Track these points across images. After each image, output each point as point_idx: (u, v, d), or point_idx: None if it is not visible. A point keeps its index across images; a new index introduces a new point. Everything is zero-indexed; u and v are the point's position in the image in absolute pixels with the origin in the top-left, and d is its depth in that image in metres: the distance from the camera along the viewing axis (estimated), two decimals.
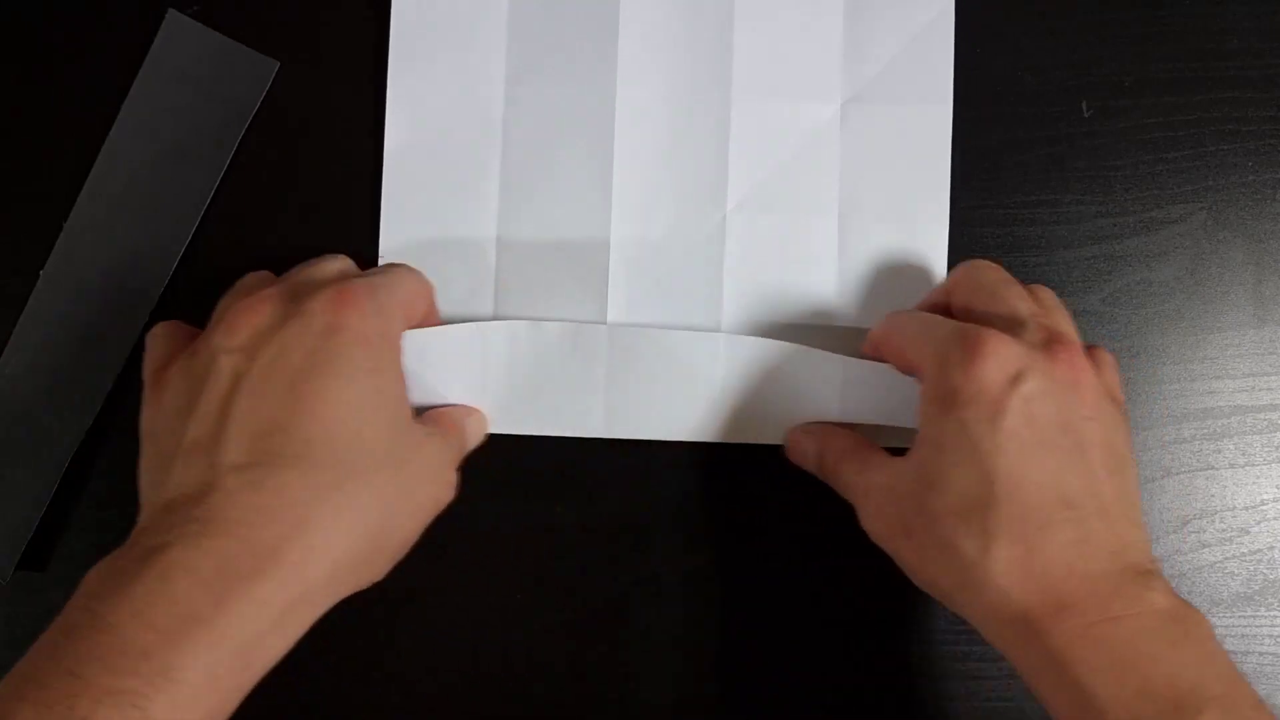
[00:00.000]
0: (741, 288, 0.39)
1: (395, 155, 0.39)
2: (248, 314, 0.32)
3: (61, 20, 0.40)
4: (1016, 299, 0.34)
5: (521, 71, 0.39)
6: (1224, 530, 0.39)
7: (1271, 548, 0.39)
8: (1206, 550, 0.39)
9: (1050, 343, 0.32)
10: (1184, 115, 0.40)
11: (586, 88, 0.39)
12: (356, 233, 0.39)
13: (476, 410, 0.37)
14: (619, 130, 0.39)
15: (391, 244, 0.39)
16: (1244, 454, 0.39)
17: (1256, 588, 0.39)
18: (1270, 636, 0.38)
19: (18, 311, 0.38)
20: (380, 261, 0.39)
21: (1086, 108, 0.40)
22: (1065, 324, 0.34)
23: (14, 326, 0.38)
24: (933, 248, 0.39)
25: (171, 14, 0.39)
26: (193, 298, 0.39)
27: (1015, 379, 0.31)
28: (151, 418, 0.33)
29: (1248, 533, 0.39)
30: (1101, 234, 0.40)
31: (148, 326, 0.38)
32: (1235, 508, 0.39)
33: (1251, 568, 0.39)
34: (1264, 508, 0.39)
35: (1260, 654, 0.38)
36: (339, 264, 0.35)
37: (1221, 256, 0.39)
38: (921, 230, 0.39)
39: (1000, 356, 0.31)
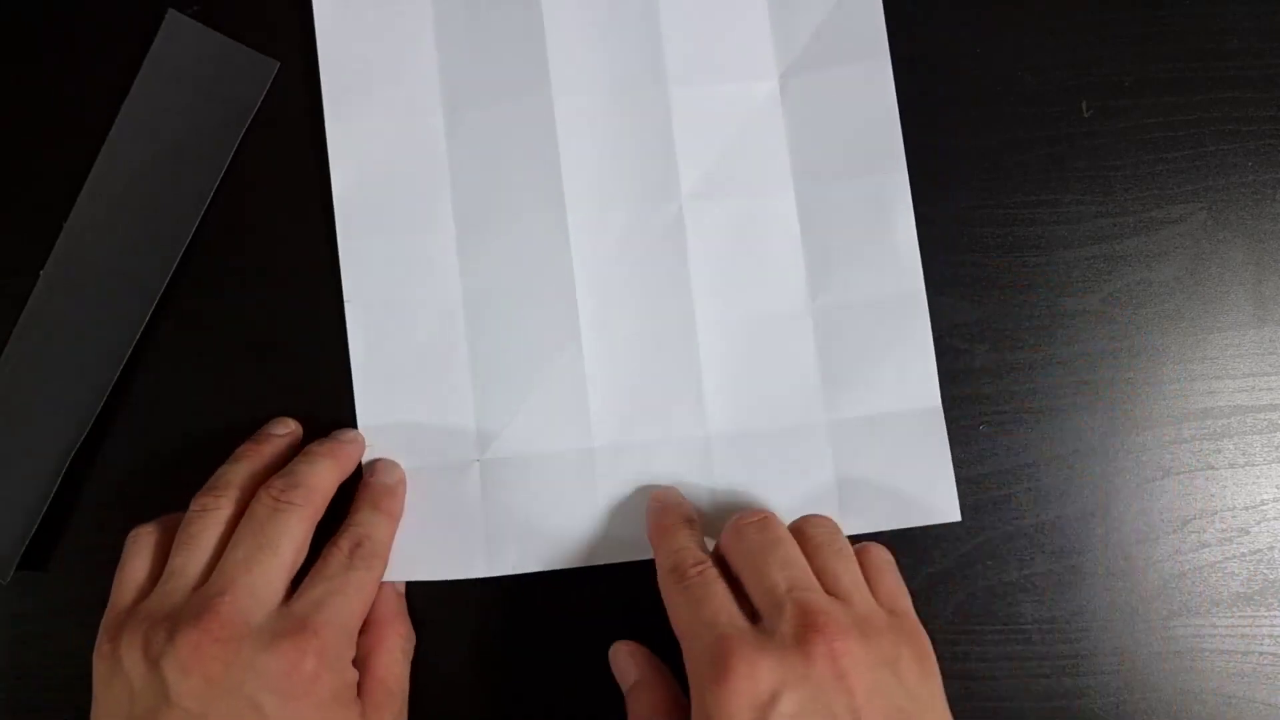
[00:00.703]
0: (710, 277, 0.39)
1: (345, 202, 0.39)
2: (200, 659, 0.31)
3: (62, 20, 0.40)
4: (776, 568, 0.32)
5: (458, 98, 0.39)
6: (1224, 530, 0.39)
7: (1271, 548, 0.39)
8: (1206, 550, 0.39)
9: (803, 636, 0.30)
10: (1184, 115, 0.40)
11: (524, 103, 0.39)
12: None
13: (402, 622, 0.37)
14: (562, 139, 0.39)
15: (355, 289, 0.39)
16: (1244, 454, 0.39)
17: (1256, 588, 0.39)
18: (1270, 637, 0.38)
19: (18, 311, 0.38)
20: (347, 306, 0.38)
21: (1086, 108, 0.40)
22: (837, 567, 0.33)
23: (14, 326, 0.38)
24: (896, 200, 0.39)
25: (171, 14, 0.39)
26: (193, 298, 0.39)
27: (770, 701, 0.29)
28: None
29: (1248, 533, 0.39)
30: (1101, 234, 0.40)
31: (149, 327, 0.38)
32: (1235, 508, 0.39)
33: (1251, 568, 0.39)
34: (1264, 508, 0.39)
35: (1260, 654, 0.38)
36: (292, 542, 0.34)
37: (1221, 256, 0.39)
38: (881, 185, 0.39)
39: (749, 682, 0.29)
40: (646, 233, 0.39)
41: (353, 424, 0.38)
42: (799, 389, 0.39)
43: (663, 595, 0.34)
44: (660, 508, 0.37)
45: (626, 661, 0.36)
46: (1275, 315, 0.39)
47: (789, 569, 0.32)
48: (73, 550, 0.39)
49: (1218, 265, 0.39)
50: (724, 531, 0.35)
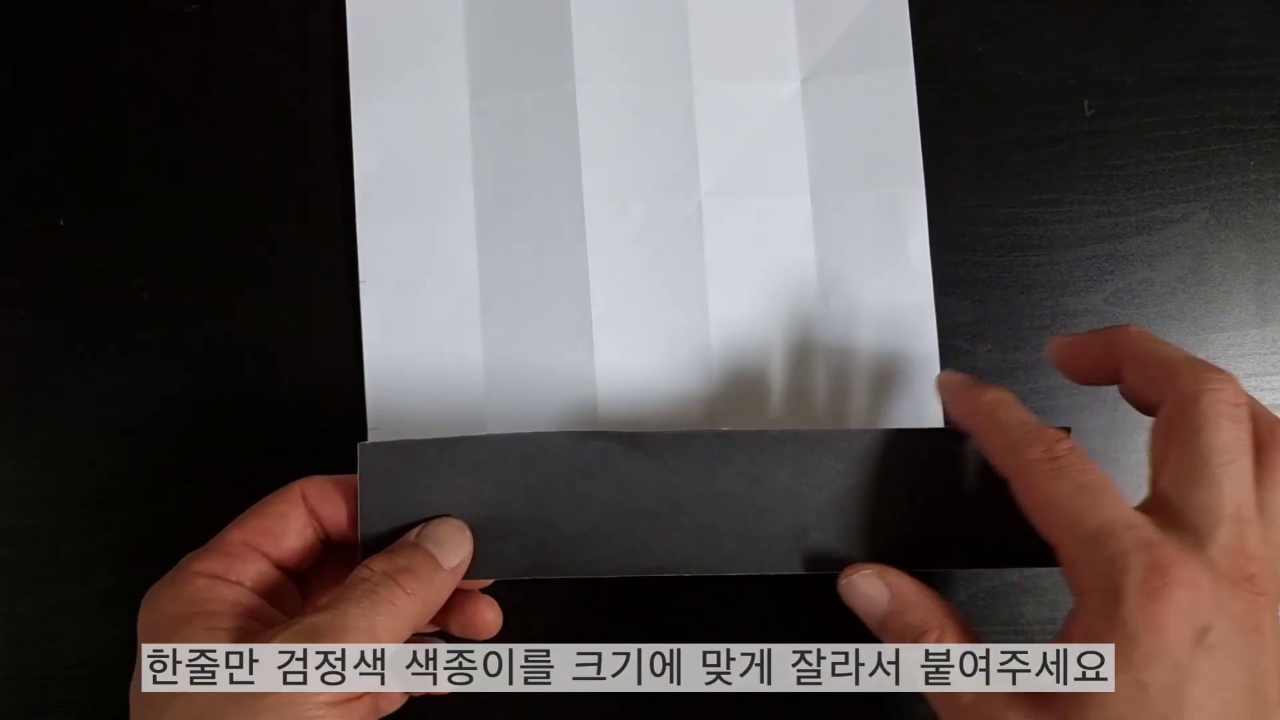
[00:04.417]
0: (725, 274, 0.39)
1: (366, 183, 0.39)
2: None
3: (62, 20, 0.40)
4: (1232, 484, 0.27)
5: (484, 82, 0.39)
6: None
7: None
8: None
9: (1242, 576, 0.26)
10: (1186, 114, 0.40)
11: (548, 89, 0.39)
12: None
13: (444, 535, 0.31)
14: (583, 128, 0.39)
15: (371, 271, 0.39)
16: None
17: None
18: None
19: (19, 310, 0.38)
20: (361, 287, 0.38)
21: (1088, 107, 0.40)
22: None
23: (15, 324, 0.38)
24: (911, 212, 0.39)
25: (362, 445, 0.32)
26: (199, 299, 0.39)
27: (1201, 634, 0.26)
28: None
29: None
30: (1104, 233, 0.39)
31: (148, 327, 0.38)
32: None
33: None
34: None
35: None
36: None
37: (1224, 256, 0.39)
38: (897, 195, 0.39)
39: (1189, 607, 0.26)
40: (664, 227, 0.39)
41: (361, 418, 0.38)
42: (806, 393, 0.39)
43: (1020, 479, 0.29)
44: (962, 381, 0.31)
45: (871, 587, 0.31)
46: (1278, 315, 0.39)
47: (1241, 490, 0.27)
48: (72, 551, 0.39)
49: (1220, 265, 0.39)
50: (1169, 365, 0.29)
